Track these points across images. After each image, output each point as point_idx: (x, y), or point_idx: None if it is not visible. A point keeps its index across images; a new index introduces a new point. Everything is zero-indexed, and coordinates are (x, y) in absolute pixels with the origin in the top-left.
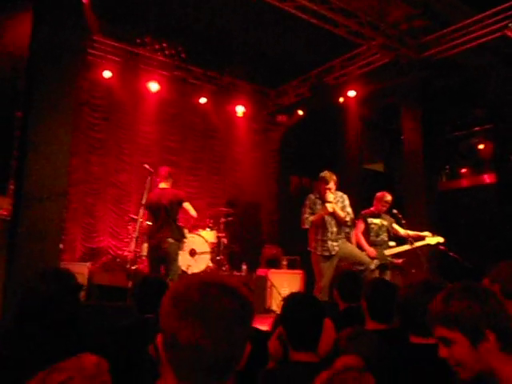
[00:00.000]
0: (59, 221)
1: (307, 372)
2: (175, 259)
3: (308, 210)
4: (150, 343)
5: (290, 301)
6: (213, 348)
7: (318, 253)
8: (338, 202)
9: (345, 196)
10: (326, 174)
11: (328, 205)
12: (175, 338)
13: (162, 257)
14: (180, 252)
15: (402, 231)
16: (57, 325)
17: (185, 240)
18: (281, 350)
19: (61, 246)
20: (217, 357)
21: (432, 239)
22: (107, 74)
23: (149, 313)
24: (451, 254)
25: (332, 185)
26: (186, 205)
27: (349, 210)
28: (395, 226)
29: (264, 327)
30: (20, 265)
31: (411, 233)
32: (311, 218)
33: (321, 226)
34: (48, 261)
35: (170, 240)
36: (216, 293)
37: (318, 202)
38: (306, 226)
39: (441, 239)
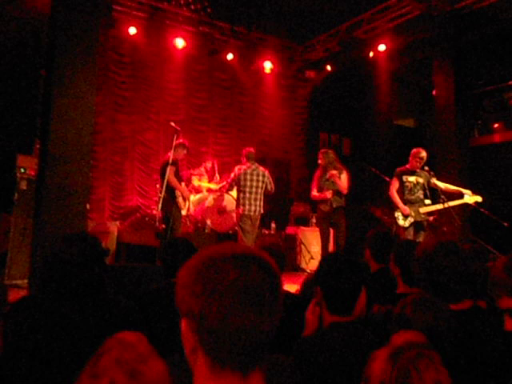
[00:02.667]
0: (85, 180)
1: (345, 334)
2: None
3: None
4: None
5: (328, 263)
6: (249, 328)
7: None
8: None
9: None
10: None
11: None
12: (206, 321)
13: None
14: (207, 210)
15: (441, 185)
16: (82, 290)
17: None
18: (318, 319)
19: (88, 205)
20: (254, 336)
21: (470, 198)
22: (132, 30)
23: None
24: (483, 210)
25: None
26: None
27: None
28: (434, 180)
29: (293, 286)
30: (47, 225)
31: (451, 187)
32: None
33: None
34: (75, 220)
35: None
36: (250, 268)
37: None
38: None
39: (479, 198)
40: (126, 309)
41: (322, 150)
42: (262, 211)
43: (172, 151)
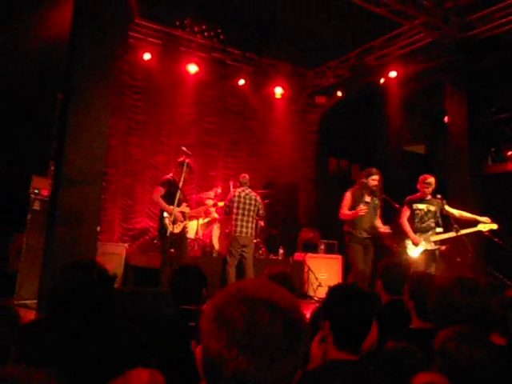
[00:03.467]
0: (97, 203)
1: (351, 372)
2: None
3: None
4: (190, 338)
5: (337, 294)
6: (259, 379)
7: None
8: None
9: None
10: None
11: None
12: (216, 364)
13: None
14: (216, 235)
15: (456, 212)
16: (89, 315)
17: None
18: (323, 354)
19: (98, 228)
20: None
21: (484, 226)
22: (147, 56)
23: (186, 303)
24: (497, 240)
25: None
26: None
27: None
28: (448, 207)
29: None
30: (58, 246)
31: (466, 215)
32: None
33: None
34: (86, 242)
35: None
36: (264, 317)
37: None
38: None
39: (494, 226)
40: (136, 335)
41: (375, 171)
42: (253, 234)
43: (182, 175)
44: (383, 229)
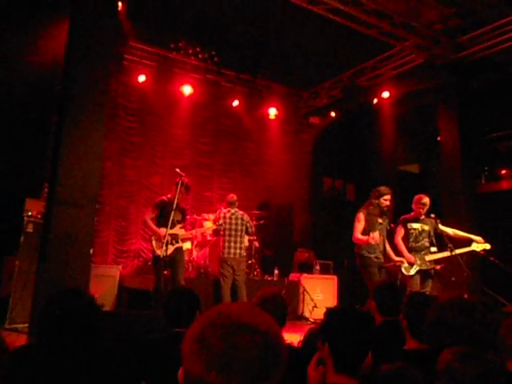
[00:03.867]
0: (90, 225)
1: None
2: None
3: None
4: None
5: (336, 317)
6: None
7: None
8: None
9: None
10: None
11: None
12: None
13: None
14: (210, 256)
15: (450, 231)
16: (77, 342)
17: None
18: (322, 377)
19: (91, 250)
20: None
21: (478, 246)
22: (142, 78)
23: (179, 326)
24: (493, 259)
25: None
26: None
27: None
28: (442, 227)
29: (296, 336)
30: (50, 269)
31: (461, 233)
32: None
33: None
34: (79, 265)
35: None
36: (243, 341)
37: None
38: None
39: (487, 246)
40: (125, 359)
41: (387, 190)
42: (244, 254)
43: (176, 196)
44: (398, 261)
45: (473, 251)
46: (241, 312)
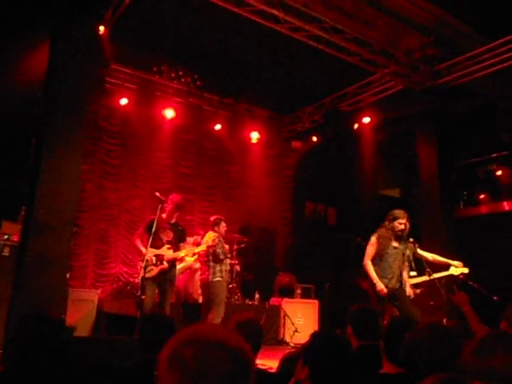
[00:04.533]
0: (67, 248)
1: None
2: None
3: None
4: None
5: (319, 341)
6: None
7: None
8: None
9: None
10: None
11: None
12: None
13: None
14: (191, 280)
15: (429, 256)
16: (44, 367)
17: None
18: None
19: (68, 274)
20: None
21: (456, 270)
22: (124, 101)
23: (152, 353)
24: (471, 283)
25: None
26: None
27: None
28: (421, 251)
29: (276, 363)
30: (25, 293)
31: (439, 258)
32: None
33: None
34: (55, 289)
35: None
36: (216, 358)
37: None
38: None
39: (466, 270)
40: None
41: (401, 214)
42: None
43: (156, 220)
44: (412, 294)
45: (451, 275)
46: (212, 330)
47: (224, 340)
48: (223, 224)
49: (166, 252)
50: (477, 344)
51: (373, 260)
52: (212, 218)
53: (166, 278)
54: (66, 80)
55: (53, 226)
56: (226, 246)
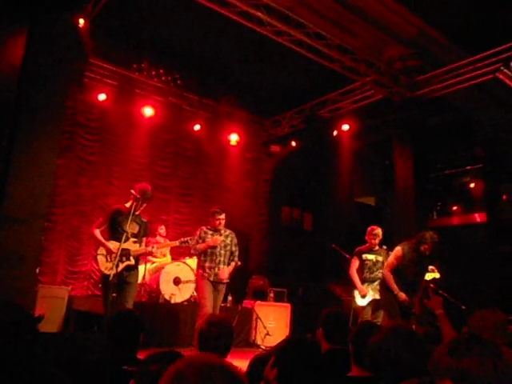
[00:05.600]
0: (38, 243)
1: None
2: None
3: None
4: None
5: (294, 348)
6: None
7: None
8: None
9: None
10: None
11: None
12: None
13: None
14: (164, 280)
15: None
16: (7, 359)
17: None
18: None
19: (37, 269)
20: None
21: (429, 275)
22: (102, 96)
23: (121, 348)
24: (442, 292)
25: None
26: None
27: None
28: None
29: (245, 363)
30: None
31: None
32: None
33: None
34: (24, 284)
35: None
36: (214, 375)
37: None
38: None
39: (437, 275)
40: (56, 380)
41: (428, 239)
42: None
43: (129, 218)
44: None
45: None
46: (210, 356)
47: (224, 363)
48: (218, 216)
49: (132, 246)
50: (452, 344)
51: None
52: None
53: (130, 274)
54: (43, 71)
55: (22, 219)
56: (220, 239)
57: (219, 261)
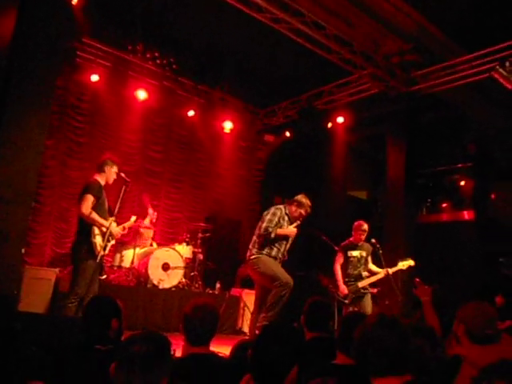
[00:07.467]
0: (24, 223)
1: None
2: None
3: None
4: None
5: (268, 330)
6: None
7: None
8: None
9: None
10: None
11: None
12: None
13: None
14: (152, 265)
15: (374, 269)
16: None
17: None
18: None
19: (23, 250)
20: None
21: (404, 263)
22: (95, 77)
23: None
24: (427, 286)
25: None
26: None
27: None
28: (370, 263)
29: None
30: None
31: (375, 269)
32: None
33: None
34: (9, 264)
35: None
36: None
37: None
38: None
39: (412, 262)
40: (36, 360)
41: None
42: None
43: (118, 201)
44: None
45: (400, 270)
46: None
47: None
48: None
49: (113, 226)
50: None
51: None
52: None
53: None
54: (33, 48)
55: (10, 198)
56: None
57: None
